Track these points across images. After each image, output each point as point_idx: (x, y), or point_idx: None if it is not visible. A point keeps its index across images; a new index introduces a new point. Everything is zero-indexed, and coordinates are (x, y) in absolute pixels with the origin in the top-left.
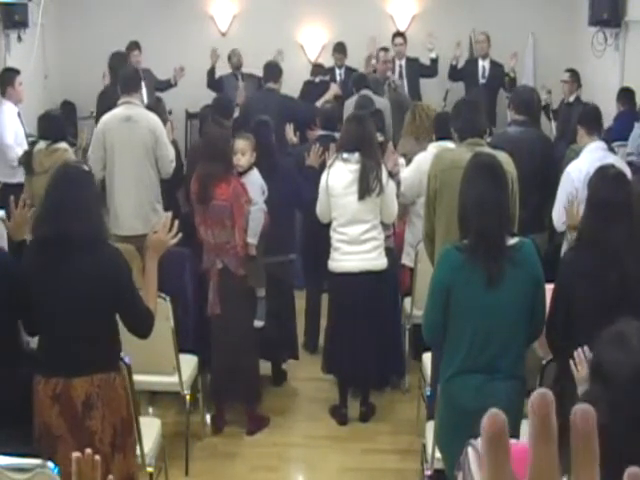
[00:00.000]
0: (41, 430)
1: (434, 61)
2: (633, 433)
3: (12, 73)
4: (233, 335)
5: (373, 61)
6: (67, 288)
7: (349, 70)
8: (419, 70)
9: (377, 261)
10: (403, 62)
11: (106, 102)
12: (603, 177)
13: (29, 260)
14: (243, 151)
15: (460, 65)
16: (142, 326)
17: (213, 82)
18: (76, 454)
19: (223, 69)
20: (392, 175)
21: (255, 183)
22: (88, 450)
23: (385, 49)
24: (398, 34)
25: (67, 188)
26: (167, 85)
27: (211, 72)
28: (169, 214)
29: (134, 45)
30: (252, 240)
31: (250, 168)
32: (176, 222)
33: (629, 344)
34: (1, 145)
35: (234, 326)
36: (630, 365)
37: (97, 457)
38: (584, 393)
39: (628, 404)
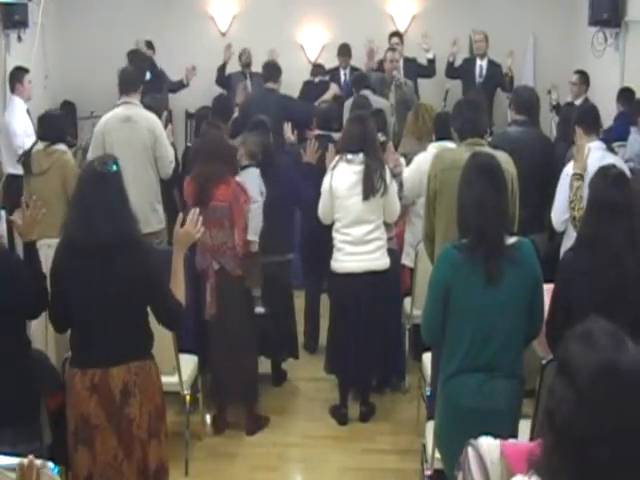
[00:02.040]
0: (78, 422)
1: (431, 61)
2: (597, 429)
3: (21, 71)
4: (231, 336)
5: (380, 57)
6: (101, 288)
7: (354, 70)
8: (417, 70)
9: (380, 261)
10: (401, 62)
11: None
12: (604, 177)
13: (62, 260)
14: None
15: (457, 63)
16: (173, 319)
17: (222, 79)
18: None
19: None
20: (394, 175)
21: (253, 181)
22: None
23: (392, 49)
24: (395, 34)
25: (95, 189)
26: (180, 86)
27: (222, 68)
28: (197, 210)
29: (148, 45)
30: (254, 237)
31: (248, 166)
32: (200, 218)
33: (596, 341)
34: (9, 134)
35: (232, 327)
36: (595, 361)
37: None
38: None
39: (593, 400)
